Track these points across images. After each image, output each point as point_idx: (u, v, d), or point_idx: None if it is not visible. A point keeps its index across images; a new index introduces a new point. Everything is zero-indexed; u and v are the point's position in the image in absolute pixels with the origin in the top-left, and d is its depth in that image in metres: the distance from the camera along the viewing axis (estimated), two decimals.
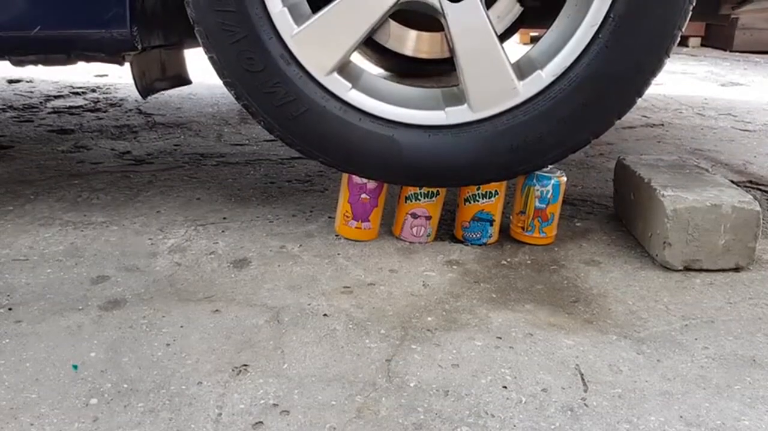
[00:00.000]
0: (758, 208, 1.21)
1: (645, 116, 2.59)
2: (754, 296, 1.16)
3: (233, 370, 0.91)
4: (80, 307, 1.06)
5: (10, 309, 1.05)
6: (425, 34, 2.29)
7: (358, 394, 0.87)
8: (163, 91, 1.60)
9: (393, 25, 2.18)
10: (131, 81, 1.40)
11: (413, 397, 0.87)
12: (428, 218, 1.32)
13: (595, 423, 0.83)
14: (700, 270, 1.24)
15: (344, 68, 1.26)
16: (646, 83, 1.21)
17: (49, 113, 2.39)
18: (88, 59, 1.34)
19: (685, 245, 1.22)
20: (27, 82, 2.96)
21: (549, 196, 1.31)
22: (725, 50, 5.13)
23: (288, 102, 1.23)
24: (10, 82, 2.95)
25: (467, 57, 1.21)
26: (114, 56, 1.32)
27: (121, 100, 2.66)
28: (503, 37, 1.96)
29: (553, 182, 1.30)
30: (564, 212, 1.47)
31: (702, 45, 5.43)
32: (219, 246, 1.29)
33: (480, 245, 1.33)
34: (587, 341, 1.01)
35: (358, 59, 2.91)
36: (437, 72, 2.86)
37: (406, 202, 1.32)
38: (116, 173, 1.72)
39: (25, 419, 0.81)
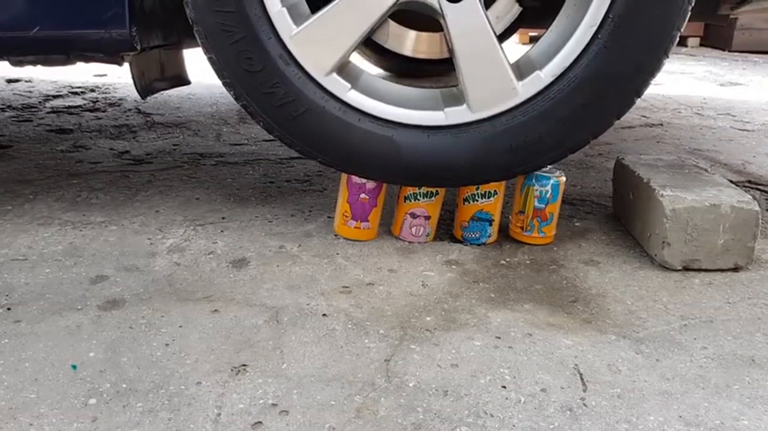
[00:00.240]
0: (757, 208, 1.21)
1: (644, 116, 2.60)
2: (753, 296, 1.16)
3: (232, 370, 0.91)
4: (79, 307, 1.06)
5: (9, 309, 1.05)
6: (424, 35, 2.29)
7: (357, 394, 0.87)
8: (162, 91, 1.60)
9: (392, 25, 2.18)
10: (130, 81, 1.40)
11: (412, 397, 0.87)
12: (427, 217, 1.32)
13: (594, 422, 0.83)
14: (699, 270, 1.24)
15: (343, 68, 1.26)
16: (645, 83, 1.21)
17: (48, 113, 2.39)
18: (87, 59, 1.34)
19: (684, 244, 1.22)
20: (26, 81, 2.96)
21: (548, 196, 1.31)
22: (724, 50, 5.13)
23: (287, 102, 1.23)
24: (9, 81, 2.95)
25: (466, 57, 1.21)
26: (113, 56, 1.32)
27: (120, 100, 2.66)
28: (502, 37, 1.97)
29: (552, 181, 1.30)
30: (563, 212, 1.47)
31: (701, 45, 5.43)
32: (218, 246, 1.29)
33: (479, 244, 1.33)
34: (586, 341, 1.01)
35: (358, 59, 2.91)
36: (436, 72, 2.86)
37: (405, 202, 1.32)
38: (115, 172, 1.72)
39: (24, 419, 0.81)
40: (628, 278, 1.22)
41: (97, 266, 1.19)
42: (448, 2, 1.18)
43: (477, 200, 1.30)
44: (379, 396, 0.87)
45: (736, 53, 4.99)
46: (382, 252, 1.29)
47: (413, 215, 1.32)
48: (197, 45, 1.24)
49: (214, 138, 2.11)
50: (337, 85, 1.23)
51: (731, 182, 1.36)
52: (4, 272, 1.16)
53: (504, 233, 1.37)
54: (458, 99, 1.25)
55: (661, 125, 2.47)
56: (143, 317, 1.03)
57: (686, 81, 3.60)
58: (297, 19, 1.20)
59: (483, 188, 1.30)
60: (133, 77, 1.38)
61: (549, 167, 1.32)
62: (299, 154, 1.30)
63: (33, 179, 1.65)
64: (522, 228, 1.34)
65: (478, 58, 1.21)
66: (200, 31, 1.19)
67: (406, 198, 1.31)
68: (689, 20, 1.20)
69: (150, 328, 1.01)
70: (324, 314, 1.06)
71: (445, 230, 1.39)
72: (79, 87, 2.88)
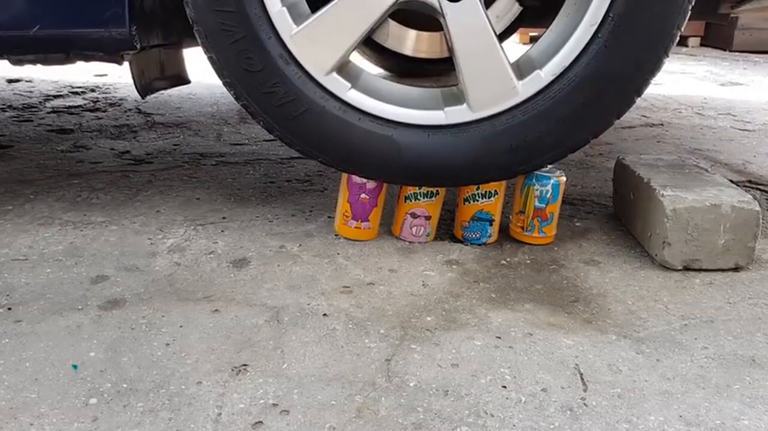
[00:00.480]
0: (758, 208, 1.21)
1: (644, 116, 2.60)
2: (754, 296, 1.16)
3: (233, 370, 0.91)
4: (80, 307, 1.06)
5: (9, 309, 1.05)
6: (424, 34, 2.29)
7: (357, 394, 0.87)
8: (162, 91, 1.60)
9: (392, 24, 2.18)
10: (130, 81, 1.40)
11: (413, 397, 0.87)
12: (428, 217, 1.32)
13: (594, 422, 0.83)
14: (700, 270, 1.24)
15: (343, 68, 1.26)
16: (645, 83, 1.21)
17: (48, 113, 2.39)
18: (87, 59, 1.34)
19: (684, 244, 1.22)
20: (26, 81, 2.96)
21: (548, 196, 1.31)
22: (724, 50, 5.13)
23: (287, 102, 1.23)
24: (10, 81, 2.95)
25: (466, 57, 1.21)
26: (113, 56, 1.32)
27: (120, 99, 2.66)
28: (502, 36, 1.96)
29: (552, 181, 1.30)
30: (563, 212, 1.47)
31: (701, 45, 5.43)
32: (218, 246, 1.29)
33: (479, 244, 1.33)
34: (587, 340, 1.01)
35: (358, 59, 2.91)
36: (436, 72, 2.86)
37: (405, 202, 1.32)
38: (116, 172, 1.72)
39: (24, 419, 0.81)
40: (628, 278, 1.22)
41: (97, 266, 1.19)
42: (448, 1, 1.18)
43: (477, 200, 1.30)
44: (380, 395, 0.87)
45: (736, 53, 4.99)
46: (383, 252, 1.29)
47: (414, 215, 1.32)
48: (197, 44, 1.24)
49: (214, 138, 2.11)
50: (337, 85, 1.23)
51: (732, 181, 1.36)
52: (4, 272, 1.16)
53: (504, 233, 1.37)
54: (458, 98, 1.25)
55: (662, 124, 2.47)
56: (144, 317, 1.03)
57: (687, 81, 3.60)
58: (297, 18, 1.20)
59: (483, 188, 1.30)
60: (133, 76, 1.38)
61: (549, 166, 1.32)
62: (299, 153, 1.30)
63: (33, 179, 1.65)
64: (522, 228, 1.34)
65: (478, 58, 1.21)
66: (200, 31, 1.19)
67: (406, 198, 1.31)
68: (690, 19, 1.20)
69: (150, 328, 1.01)
70: (324, 314, 1.06)
71: (446, 230, 1.39)
72: (80, 87, 2.88)
